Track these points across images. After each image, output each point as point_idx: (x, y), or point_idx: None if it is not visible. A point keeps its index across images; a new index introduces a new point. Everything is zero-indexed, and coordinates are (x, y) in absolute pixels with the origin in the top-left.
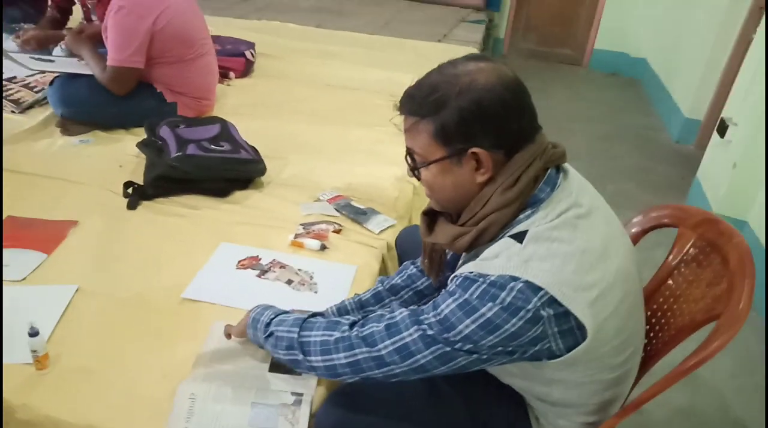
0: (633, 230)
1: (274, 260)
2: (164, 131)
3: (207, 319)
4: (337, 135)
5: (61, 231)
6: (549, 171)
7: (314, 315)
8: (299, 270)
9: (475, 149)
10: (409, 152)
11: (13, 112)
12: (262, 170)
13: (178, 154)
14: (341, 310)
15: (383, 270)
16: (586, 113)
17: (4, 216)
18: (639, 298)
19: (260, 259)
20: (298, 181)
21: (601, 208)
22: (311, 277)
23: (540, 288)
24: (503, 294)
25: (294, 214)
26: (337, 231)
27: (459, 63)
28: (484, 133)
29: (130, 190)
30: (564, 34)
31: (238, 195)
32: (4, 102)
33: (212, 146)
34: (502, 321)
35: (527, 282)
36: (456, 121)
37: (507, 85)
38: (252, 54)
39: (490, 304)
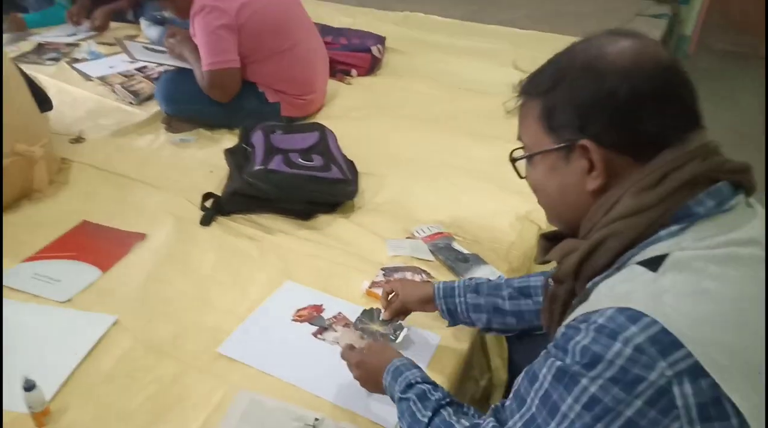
0: None
1: (339, 314)
2: (257, 137)
3: (235, 386)
4: (448, 148)
5: (125, 244)
6: (719, 184)
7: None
8: None
9: (585, 142)
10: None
11: (131, 103)
12: (351, 194)
13: (260, 167)
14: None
15: (478, 348)
16: None
17: (80, 220)
18: None
19: (323, 310)
20: (392, 208)
21: None
22: None
23: (677, 346)
24: (614, 351)
25: (379, 251)
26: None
27: (595, 37)
28: (603, 124)
29: (207, 204)
30: None
31: (321, 219)
32: (124, 92)
33: (300, 160)
34: (612, 401)
35: (656, 332)
36: (567, 100)
37: (650, 66)
38: (380, 50)
39: (596, 371)
